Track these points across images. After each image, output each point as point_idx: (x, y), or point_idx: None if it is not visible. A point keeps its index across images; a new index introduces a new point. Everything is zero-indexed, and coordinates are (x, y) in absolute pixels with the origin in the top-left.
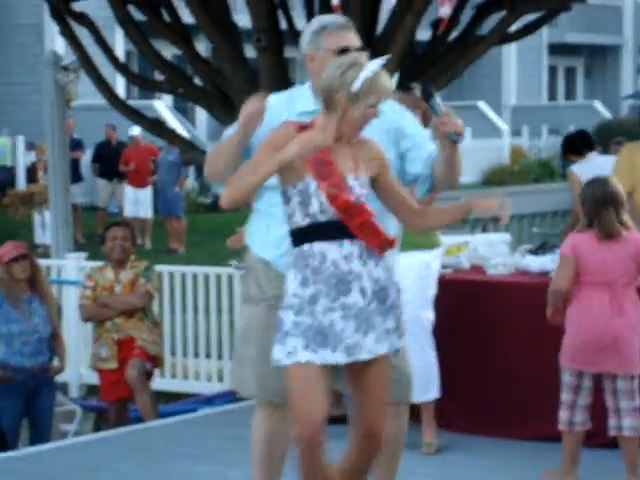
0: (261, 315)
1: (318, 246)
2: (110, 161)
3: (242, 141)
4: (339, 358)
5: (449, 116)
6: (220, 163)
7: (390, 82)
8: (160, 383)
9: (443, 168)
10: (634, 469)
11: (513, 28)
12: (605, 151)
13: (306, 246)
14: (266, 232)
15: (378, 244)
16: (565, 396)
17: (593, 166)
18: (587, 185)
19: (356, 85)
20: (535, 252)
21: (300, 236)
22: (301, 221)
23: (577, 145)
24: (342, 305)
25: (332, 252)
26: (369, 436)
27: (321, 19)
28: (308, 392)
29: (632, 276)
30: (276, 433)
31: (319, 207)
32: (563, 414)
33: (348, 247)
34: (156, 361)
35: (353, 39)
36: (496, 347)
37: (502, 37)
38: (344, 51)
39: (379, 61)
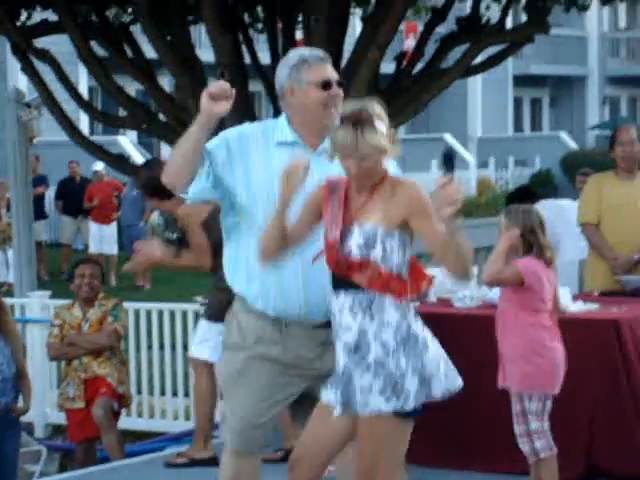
0: (241, 364)
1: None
2: (74, 198)
3: (205, 128)
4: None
5: (452, 186)
6: (178, 158)
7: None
8: (126, 422)
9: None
10: None
11: (478, 60)
12: (572, 180)
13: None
14: (246, 265)
15: (387, 290)
16: (535, 425)
17: (553, 206)
18: (525, 212)
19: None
20: None
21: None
22: None
23: (522, 200)
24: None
25: (334, 304)
26: None
27: (300, 52)
28: None
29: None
30: (244, 476)
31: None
32: (539, 443)
33: (342, 298)
34: (123, 400)
35: (333, 72)
36: (464, 380)
37: (466, 69)
38: (327, 84)
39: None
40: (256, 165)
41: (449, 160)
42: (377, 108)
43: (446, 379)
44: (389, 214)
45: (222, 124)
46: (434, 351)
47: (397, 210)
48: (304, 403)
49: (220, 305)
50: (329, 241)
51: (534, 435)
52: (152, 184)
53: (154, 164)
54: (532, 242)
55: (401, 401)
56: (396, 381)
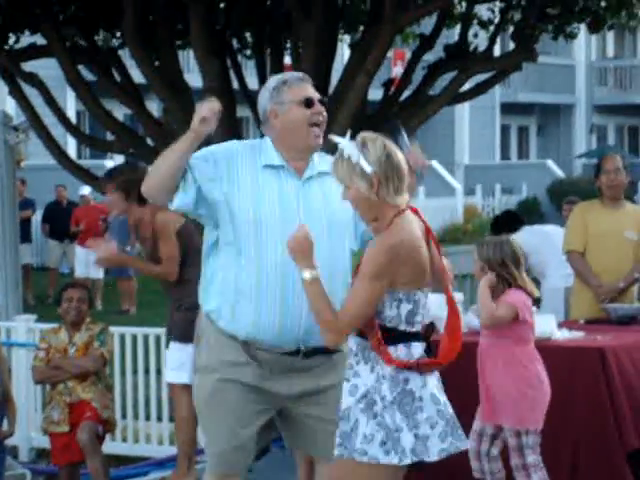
0: (212, 387)
1: None
2: (61, 221)
3: (192, 145)
4: None
5: (417, 152)
6: (162, 170)
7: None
8: (111, 446)
9: None
10: None
11: (465, 87)
12: (559, 208)
13: None
14: (222, 281)
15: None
16: (532, 458)
17: (537, 232)
18: (497, 245)
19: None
20: None
21: None
22: None
23: (508, 224)
24: None
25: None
26: None
27: (278, 76)
28: None
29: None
30: None
31: None
32: (536, 477)
33: (351, 341)
34: (108, 425)
35: (312, 90)
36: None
37: (454, 96)
38: (308, 101)
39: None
40: (242, 184)
41: (396, 132)
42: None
43: (443, 441)
44: None
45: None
46: (431, 411)
47: None
48: (287, 425)
49: (187, 324)
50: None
51: (531, 469)
52: (134, 185)
53: (136, 167)
54: (505, 275)
55: (399, 455)
56: (393, 435)
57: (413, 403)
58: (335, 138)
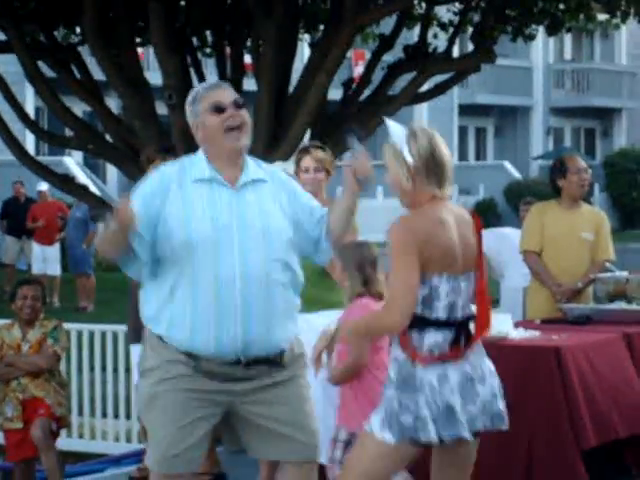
0: (154, 390)
1: None
2: (18, 218)
3: (123, 240)
4: None
5: (363, 159)
6: (111, 251)
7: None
8: (67, 443)
9: (339, 217)
10: None
11: (424, 88)
12: (515, 209)
13: None
14: (157, 301)
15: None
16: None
17: (496, 235)
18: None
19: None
20: None
21: None
22: None
23: None
24: None
25: None
26: None
27: (195, 88)
28: None
29: None
30: None
31: None
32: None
33: None
34: (61, 422)
35: (226, 94)
36: None
37: (413, 97)
38: (219, 108)
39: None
40: (174, 208)
41: (353, 133)
42: None
43: (436, 425)
44: None
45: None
46: (428, 397)
47: None
48: (229, 424)
49: None
50: None
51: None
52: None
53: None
54: (362, 278)
55: (394, 433)
56: (393, 414)
57: (414, 387)
58: (388, 121)
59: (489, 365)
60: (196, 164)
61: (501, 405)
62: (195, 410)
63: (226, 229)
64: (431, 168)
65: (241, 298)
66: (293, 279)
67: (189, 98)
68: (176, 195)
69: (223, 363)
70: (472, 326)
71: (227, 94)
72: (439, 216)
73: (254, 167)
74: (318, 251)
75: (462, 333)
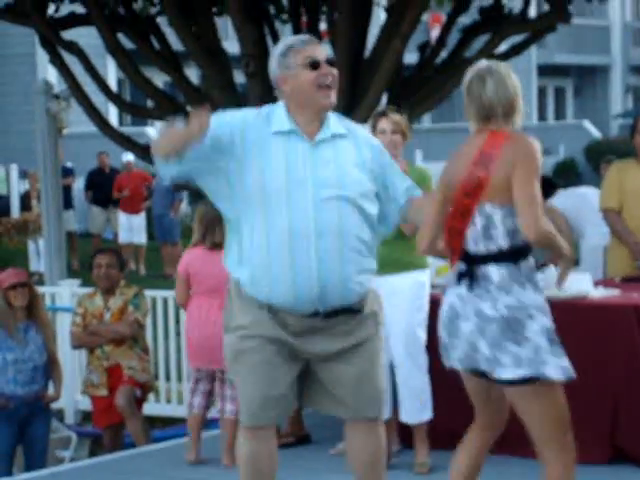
0: (235, 344)
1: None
2: (104, 188)
3: (186, 147)
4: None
5: None
6: (168, 149)
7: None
8: (155, 408)
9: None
10: (231, 449)
11: (501, 49)
12: (596, 169)
13: (532, 260)
14: (239, 250)
15: None
16: (191, 386)
17: (574, 195)
18: (201, 205)
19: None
20: None
21: (529, 250)
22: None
23: (543, 190)
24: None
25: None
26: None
27: (285, 41)
28: None
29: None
30: (260, 453)
31: None
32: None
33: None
34: (146, 388)
35: (320, 51)
36: None
37: (489, 59)
38: (314, 63)
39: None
40: (249, 156)
41: None
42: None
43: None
44: None
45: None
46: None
47: None
48: (310, 385)
49: None
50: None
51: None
52: None
53: None
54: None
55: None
56: None
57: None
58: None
59: (485, 309)
60: (277, 116)
61: (487, 350)
62: (279, 365)
63: (300, 182)
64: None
65: (315, 251)
66: (362, 234)
67: (279, 49)
68: (253, 140)
69: (302, 315)
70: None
71: (321, 50)
72: None
73: (335, 123)
74: (384, 220)
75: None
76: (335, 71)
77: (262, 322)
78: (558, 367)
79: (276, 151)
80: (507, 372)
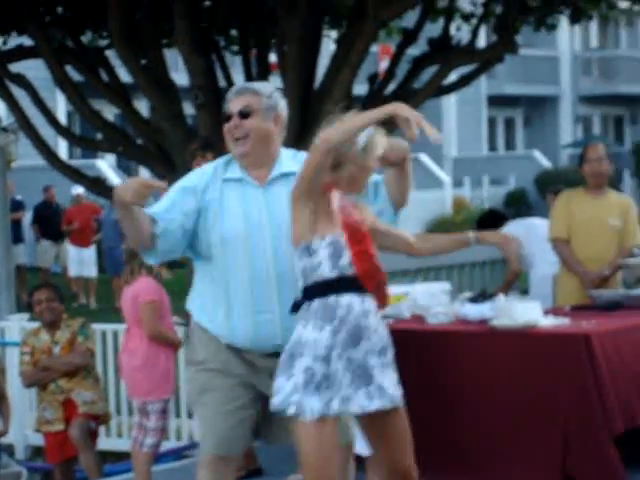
0: (200, 378)
1: (346, 298)
2: (52, 222)
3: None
4: (352, 408)
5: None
6: (132, 232)
7: (383, 140)
8: (107, 443)
9: (397, 186)
10: None
11: (450, 80)
12: (545, 200)
13: (332, 298)
14: (201, 294)
15: (384, 303)
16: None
17: (524, 225)
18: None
19: (364, 141)
20: (475, 300)
21: (326, 287)
22: (329, 273)
23: (492, 222)
24: (348, 357)
25: (357, 305)
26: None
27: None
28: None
29: (134, 318)
30: None
31: (349, 262)
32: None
33: (368, 303)
34: (101, 418)
35: (234, 103)
36: (438, 395)
37: (438, 89)
38: (226, 116)
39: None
40: (212, 205)
41: None
42: None
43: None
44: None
45: (208, 145)
46: None
47: (367, 219)
48: (269, 419)
49: None
50: (368, 248)
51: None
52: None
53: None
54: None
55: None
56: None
57: None
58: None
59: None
60: (229, 164)
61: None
62: (242, 395)
63: (258, 228)
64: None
65: (277, 295)
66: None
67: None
68: (213, 194)
69: (262, 355)
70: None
71: (236, 103)
72: None
73: (288, 160)
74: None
75: None
76: (249, 122)
77: (223, 357)
78: (307, 407)
79: (232, 198)
80: (275, 401)
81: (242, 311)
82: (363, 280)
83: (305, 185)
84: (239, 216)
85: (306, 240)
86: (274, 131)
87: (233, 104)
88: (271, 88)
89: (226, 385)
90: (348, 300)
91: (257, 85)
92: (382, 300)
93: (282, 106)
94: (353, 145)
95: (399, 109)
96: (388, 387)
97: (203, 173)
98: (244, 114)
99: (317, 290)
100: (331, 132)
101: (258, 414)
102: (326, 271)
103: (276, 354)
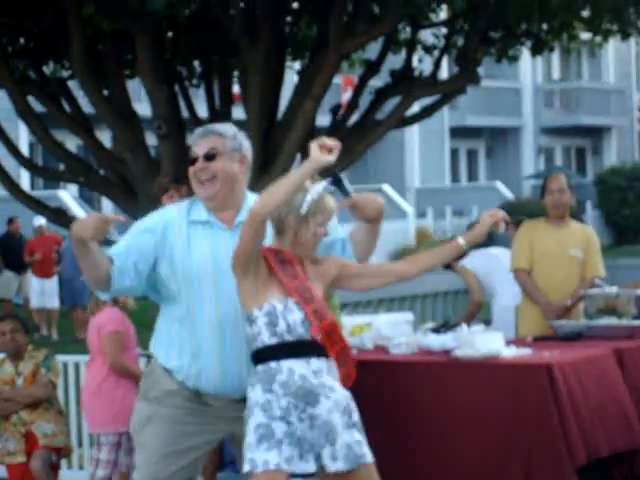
0: (150, 411)
1: (286, 363)
2: (15, 253)
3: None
4: (309, 467)
5: (363, 199)
6: (87, 269)
7: (333, 202)
8: (69, 475)
9: (363, 243)
10: None
11: (412, 111)
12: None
13: (273, 363)
14: (167, 336)
15: (348, 372)
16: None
17: (485, 255)
18: None
19: (304, 208)
20: (437, 331)
21: (267, 353)
22: (268, 340)
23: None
24: (310, 416)
25: (300, 368)
26: None
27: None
28: None
29: (98, 348)
30: None
31: (286, 327)
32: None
33: (316, 363)
34: (63, 451)
35: (200, 146)
36: (400, 425)
37: (401, 120)
38: (191, 159)
39: (322, 184)
40: (175, 249)
41: (339, 183)
42: None
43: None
44: (325, 279)
45: (158, 176)
46: None
47: (326, 276)
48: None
49: None
50: (318, 309)
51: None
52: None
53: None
54: None
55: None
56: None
57: None
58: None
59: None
60: (195, 206)
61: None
62: (189, 439)
63: (225, 269)
64: None
65: (245, 338)
66: None
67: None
68: (177, 236)
69: (229, 400)
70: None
71: (202, 146)
72: None
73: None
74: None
75: None
76: (215, 164)
77: (178, 396)
78: (260, 461)
79: (200, 240)
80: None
81: (209, 354)
82: (322, 334)
83: (243, 258)
84: (207, 256)
85: (247, 309)
86: (240, 172)
87: (198, 147)
88: (234, 130)
89: (171, 426)
90: (288, 365)
91: (221, 127)
92: (344, 367)
93: (247, 147)
94: (291, 212)
95: (316, 157)
96: (354, 446)
97: (164, 214)
98: (209, 157)
99: (259, 356)
100: (259, 203)
101: (235, 445)
102: (265, 339)
103: (243, 400)
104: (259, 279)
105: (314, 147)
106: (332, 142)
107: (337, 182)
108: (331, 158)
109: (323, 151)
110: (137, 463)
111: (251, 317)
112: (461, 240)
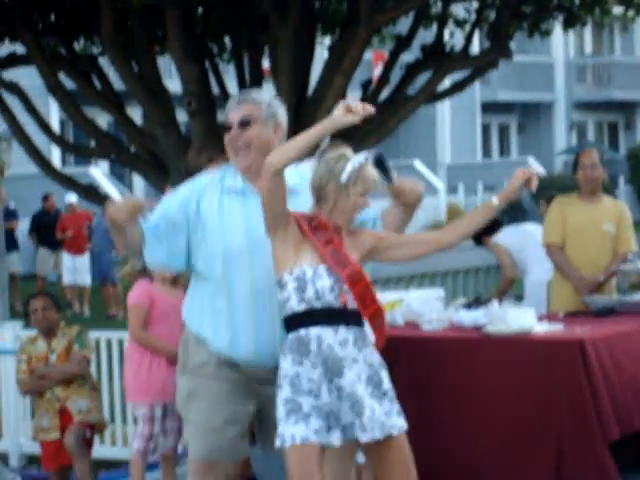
0: (193, 384)
1: (314, 330)
2: (50, 230)
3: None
4: (334, 440)
5: (409, 186)
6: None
7: (375, 173)
8: (100, 451)
9: (395, 224)
10: None
11: (444, 86)
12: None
13: (302, 331)
14: (201, 305)
15: (381, 334)
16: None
17: (519, 231)
18: None
19: (344, 177)
20: (469, 306)
21: (296, 320)
22: (296, 306)
23: (487, 227)
24: (337, 387)
25: (328, 337)
26: None
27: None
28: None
29: None
30: None
31: (314, 294)
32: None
33: (344, 333)
34: (97, 426)
35: (235, 113)
36: (432, 402)
37: (432, 95)
38: (226, 127)
39: (363, 154)
40: (210, 218)
41: (381, 165)
42: None
43: None
44: (362, 249)
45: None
46: None
47: (363, 245)
48: (263, 424)
49: None
50: (352, 272)
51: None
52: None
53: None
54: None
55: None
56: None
57: None
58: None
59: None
60: (231, 175)
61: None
62: (237, 402)
63: (260, 240)
64: None
65: (278, 310)
66: None
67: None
68: (211, 204)
69: (263, 370)
70: None
71: (236, 113)
72: None
73: (290, 175)
74: None
75: None
76: (249, 132)
77: (217, 364)
78: (288, 435)
79: (233, 210)
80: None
81: (244, 326)
82: (355, 296)
83: (268, 214)
84: (241, 229)
85: (278, 274)
86: (275, 139)
87: (232, 114)
88: (270, 97)
89: (219, 390)
90: (317, 332)
91: (256, 94)
92: (380, 329)
93: (281, 114)
94: (331, 180)
95: (337, 116)
96: (380, 416)
97: (196, 184)
98: (244, 124)
99: (289, 323)
100: (272, 155)
101: (254, 421)
102: (294, 305)
103: (276, 368)
104: (288, 242)
105: (340, 107)
106: (360, 105)
107: (379, 163)
108: (352, 119)
109: (347, 113)
110: (188, 439)
111: (282, 281)
112: (495, 200)
